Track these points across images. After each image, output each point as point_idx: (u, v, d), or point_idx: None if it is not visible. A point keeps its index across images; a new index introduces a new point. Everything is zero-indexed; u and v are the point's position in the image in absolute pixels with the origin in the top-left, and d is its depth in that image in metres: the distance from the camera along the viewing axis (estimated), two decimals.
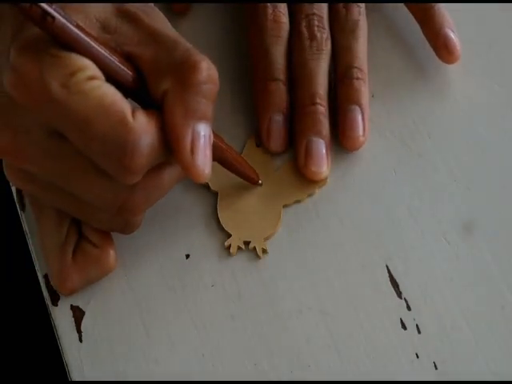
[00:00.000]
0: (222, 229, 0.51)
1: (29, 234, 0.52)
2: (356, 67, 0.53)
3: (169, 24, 0.46)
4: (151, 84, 0.43)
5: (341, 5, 0.54)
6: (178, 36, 0.45)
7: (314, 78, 0.52)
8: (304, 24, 0.53)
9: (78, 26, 0.41)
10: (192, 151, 0.42)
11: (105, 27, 0.43)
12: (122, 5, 0.44)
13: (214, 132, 0.44)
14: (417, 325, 0.49)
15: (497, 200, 0.52)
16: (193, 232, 0.52)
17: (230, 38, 0.56)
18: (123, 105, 0.41)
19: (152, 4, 0.46)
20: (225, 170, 0.51)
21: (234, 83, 0.55)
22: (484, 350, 0.48)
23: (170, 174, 0.45)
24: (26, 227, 0.52)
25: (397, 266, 0.50)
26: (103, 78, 0.42)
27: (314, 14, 0.53)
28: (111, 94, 0.41)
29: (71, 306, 0.50)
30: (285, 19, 0.54)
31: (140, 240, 0.51)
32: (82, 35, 0.41)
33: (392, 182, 0.52)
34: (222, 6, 0.57)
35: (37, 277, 0.51)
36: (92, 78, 0.41)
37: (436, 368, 0.48)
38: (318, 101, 0.52)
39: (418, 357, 0.48)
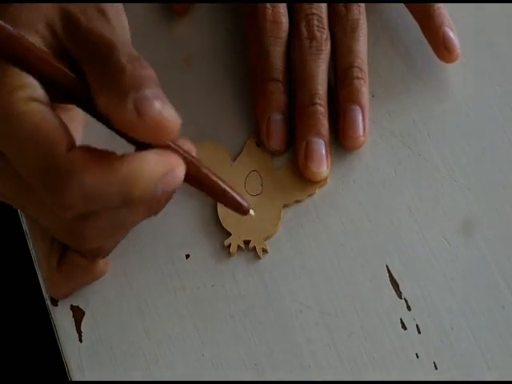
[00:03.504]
0: (221, 229, 0.51)
1: (29, 234, 0.52)
2: (356, 67, 0.53)
3: (125, 27, 0.44)
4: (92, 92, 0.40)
5: (341, 4, 0.54)
6: (118, 42, 0.42)
7: (313, 78, 0.52)
8: (304, 24, 0.53)
9: (20, 37, 0.38)
10: (138, 111, 0.39)
11: (51, 31, 0.41)
12: (64, 5, 0.42)
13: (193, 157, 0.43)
14: (417, 325, 0.49)
15: (497, 200, 0.52)
16: (193, 232, 0.52)
17: (229, 38, 0.56)
18: (59, 135, 0.38)
19: (119, 4, 0.44)
20: (224, 168, 0.51)
21: (233, 83, 0.55)
22: (484, 350, 0.48)
23: (126, 215, 0.43)
24: (25, 227, 0.52)
25: (397, 266, 0.50)
26: (47, 100, 0.39)
27: (313, 13, 0.53)
28: (48, 120, 0.38)
29: (71, 306, 0.50)
30: (284, 19, 0.54)
31: (140, 240, 0.51)
32: (26, 45, 0.38)
33: (392, 181, 0.52)
34: (222, 6, 0.57)
35: (37, 277, 0.51)
36: (33, 99, 0.38)
37: (436, 368, 0.48)
38: (318, 101, 0.52)
39: (417, 357, 0.48)
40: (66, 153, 0.38)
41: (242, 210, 0.46)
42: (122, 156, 0.40)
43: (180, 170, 0.41)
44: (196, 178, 0.44)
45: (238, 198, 0.45)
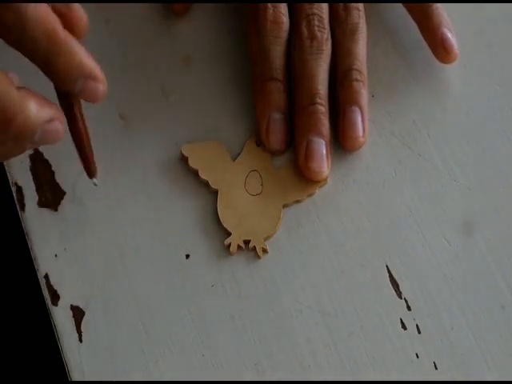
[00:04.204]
0: (221, 229, 0.51)
1: (29, 234, 0.52)
2: (355, 69, 0.53)
3: None
4: None
5: (341, 7, 0.54)
6: None
7: (314, 78, 0.52)
8: (304, 24, 0.53)
9: None
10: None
11: None
12: None
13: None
14: (417, 325, 0.49)
15: (497, 200, 0.52)
16: (193, 232, 0.52)
17: (230, 38, 0.56)
18: None
19: None
20: (224, 167, 0.51)
21: (233, 83, 0.55)
22: (484, 350, 0.48)
23: None
24: (25, 227, 0.52)
25: (397, 266, 0.50)
26: None
27: (314, 14, 0.53)
28: None
29: (71, 305, 0.50)
30: (285, 19, 0.54)
31: (140, 240, 0.51)
32: None
33: (392, 182, 0.52)
34: (222, 6, 0.57)
35: (37, 277, 0.51)
36: None
37: (436, 368, 0.48)
38: (319, 100, 0.52)
39: (417, 357, 0.48)
40: None
41: (89, 173, 0.48)
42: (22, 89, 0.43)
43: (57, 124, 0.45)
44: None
45: (91, 162, 0.47)
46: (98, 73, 0.44)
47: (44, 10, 0.42)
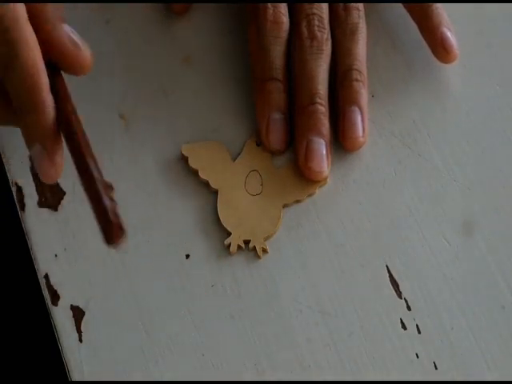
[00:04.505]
0: (222, 229, 0.51)
1: (29, 234, 0.52)
2: (355, 69, 0.53)
3: None
4: None
5: (340, 7, 0.54)
6: None
7: (314, 78, 0.52)
8: (304, 24, 0.53)
9: None
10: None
11: None
12: None
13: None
14: (417, 325, 0.49)
15: (497, 200, 0.52)
16: (193, 232, 0.52)
17: (230, 38, 0.56)
18: None
19: None
20: (224, 167, 0.51)
21: (233, 83, 0.55)
22: (484, 350, 0.48)
23: None
24: (25, 227, 0.52)
25: (397, 266, 0.50)
26: None
27: (314, 14, 0.53)
28: None
29: (71, 305, 0.50)
30: (285, 19, 0.54)
31: (140, 240, 0.51)
32: None
33: (392, 182, 0.52)
34: (222, 6, 0.57)
35: (37, 277, 0.51)
36: None
37: (436, 368, 0.48)
38: (319, 100, 0.52)
39: (417, 357, 0.48)
40: None
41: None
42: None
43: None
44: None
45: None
46: (52, 142, 0.44)
47: (35, 54, 0.43)
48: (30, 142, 0.45)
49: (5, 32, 0.42)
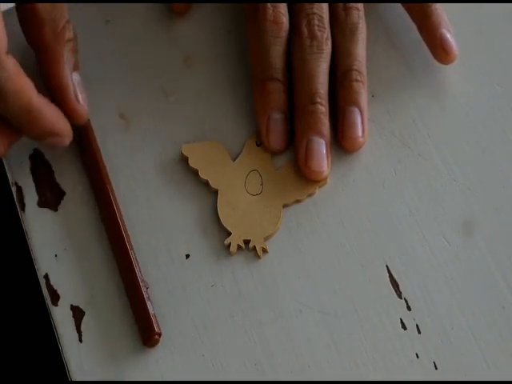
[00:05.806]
0: (221, 229, 0.51)
1: (29, 234, 0.52)
2: (355, 70, 0.53)
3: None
4: None
5: (340, 8, 0.54)
6: None
7: (314, 78, 0.52)
8: (304, 23, 0.53)
9: None
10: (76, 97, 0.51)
11: None
12: None
13: None
14: (417, 325, 0.49)
15: (497, 200, 0.52)
16: (193, 232, 0.52)
17: (230, 38, 0.56)
18: None
19: None
20: (224, 167, 0.51)
21: (234, 83, 0.55)
22: (484, 350, 0.48)
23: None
24: (25, 227, 0.52)
25: (397, 266, 0.50)
26: None
27: (314, 13, 0.53)
28: None
29: (71, 305, 0.50)
30: (284, 19, 0.54)
31: (140, 240, 0.51)
32: None
33: (392, 182, 0.52)
34: (222, 6, 0.57)
35: (37, 277, 0.51)
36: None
37: (436, 368, 0.48)
38: (319, 100, 0.52)
39: (417, 357, 0.48)
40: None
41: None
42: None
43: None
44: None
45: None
46: (65, 131, 0.50)
47: (23, 81, 0.47)
48: (40, 140, 0.51)
49: None
